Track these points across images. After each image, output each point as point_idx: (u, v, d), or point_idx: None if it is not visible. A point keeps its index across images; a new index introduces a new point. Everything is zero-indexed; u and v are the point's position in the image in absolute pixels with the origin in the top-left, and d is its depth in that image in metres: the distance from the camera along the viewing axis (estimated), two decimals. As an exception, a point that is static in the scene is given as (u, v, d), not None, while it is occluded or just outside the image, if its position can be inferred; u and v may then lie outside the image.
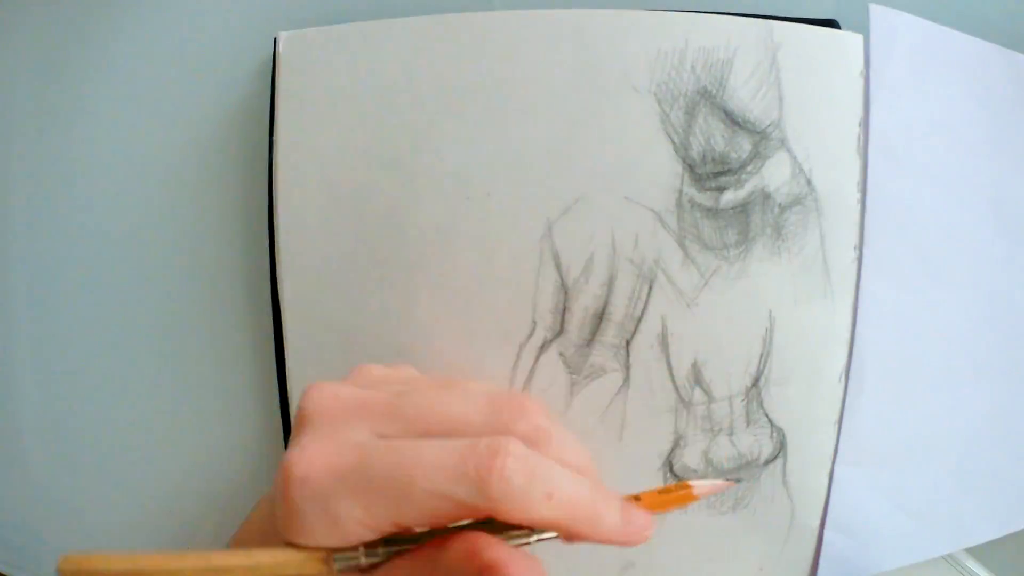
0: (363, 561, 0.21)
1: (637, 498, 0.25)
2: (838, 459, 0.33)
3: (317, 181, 0.34)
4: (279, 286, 0.35)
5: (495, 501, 0.20)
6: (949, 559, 0.36)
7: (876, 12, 0.33)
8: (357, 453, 0.21)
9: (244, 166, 0.38)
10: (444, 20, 0.32)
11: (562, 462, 0.22)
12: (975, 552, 0.36)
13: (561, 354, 0.33)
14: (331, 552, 0.21)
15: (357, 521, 0.20)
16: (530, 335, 0.33)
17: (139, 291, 0.39)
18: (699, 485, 0.26)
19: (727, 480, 0.27)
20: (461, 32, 0.32)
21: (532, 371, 0.33)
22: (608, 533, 0.22)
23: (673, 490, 0.26)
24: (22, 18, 0.39)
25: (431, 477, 0.20)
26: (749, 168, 0.32)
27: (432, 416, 0.22)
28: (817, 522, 0.34)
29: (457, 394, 0.23)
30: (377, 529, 0.21)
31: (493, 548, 0.20)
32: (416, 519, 0.21)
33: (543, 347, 0.33)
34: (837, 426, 0.33)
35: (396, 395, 0.23)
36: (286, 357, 0.35)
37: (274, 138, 0.34)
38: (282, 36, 0.34)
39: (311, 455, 0.21)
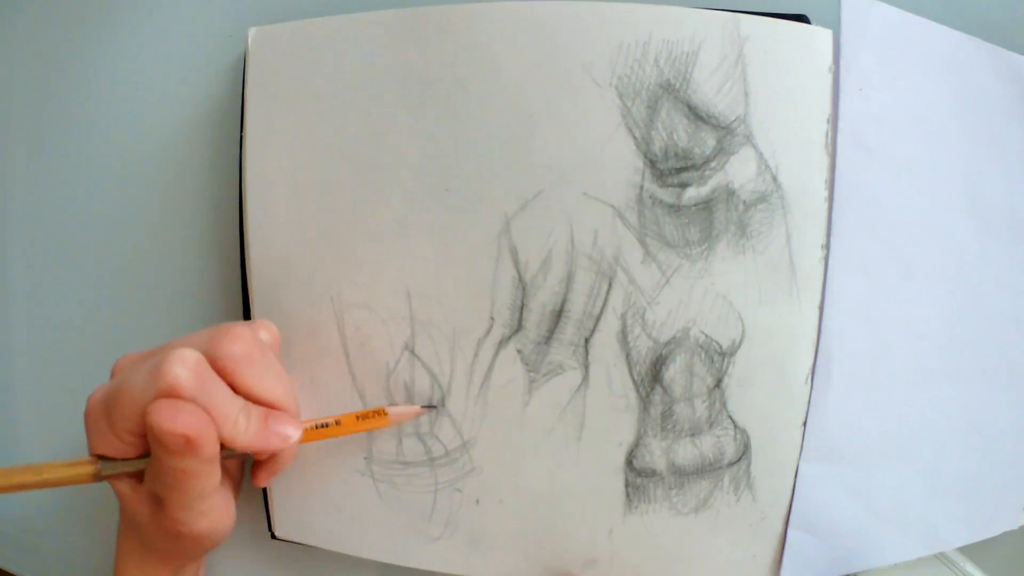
0: (121, 468, 0.27)
1: (338, 421, 0.31)
2: (803, 456, 0.33)
3: (284, 175, 0.34)
4: (248, 279, 0.35)
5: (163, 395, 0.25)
6: (942, 558, 0.35)
7: (848, 1, 0.32)
8: (107, 389, 0.28)
9: (219, 159, 0.38)
10: (405, 14, 0.32)
11: (259, 385, 0.28)
12: (969, 552, 0.36)
13: (519, 351, 0.32)
14: (97, 460, 0.27)
15: (110, 434, 0.27)
16: (488, 331, 0.32)
17: (120, 286, 0.40)
18: (393, 411, 0.32)
19: (422, 407, 0.33)
20: (421, 25, 0.32)
21: (490, 367, 0.33)
22: (242, 440, 0.28)
23: (370, 415, 0.32)
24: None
25: (132, 389, 0.26)
26: (713, 164, 0.31)
27: (168, 350, 0.27)
28: (782, 523, 0.33)
29: (194, 333, 0.29)
30: (125, 441, 0.27)
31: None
32: (130, 426, 0.26)
33: (501, 343, 0.32)
34: (803, 428, 0.33)
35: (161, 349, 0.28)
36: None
37: (243, 133, 0.35)
38: (252, 31, 0.35)
39: (91, 398, 0.28)
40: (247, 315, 0.35)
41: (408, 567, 0.36)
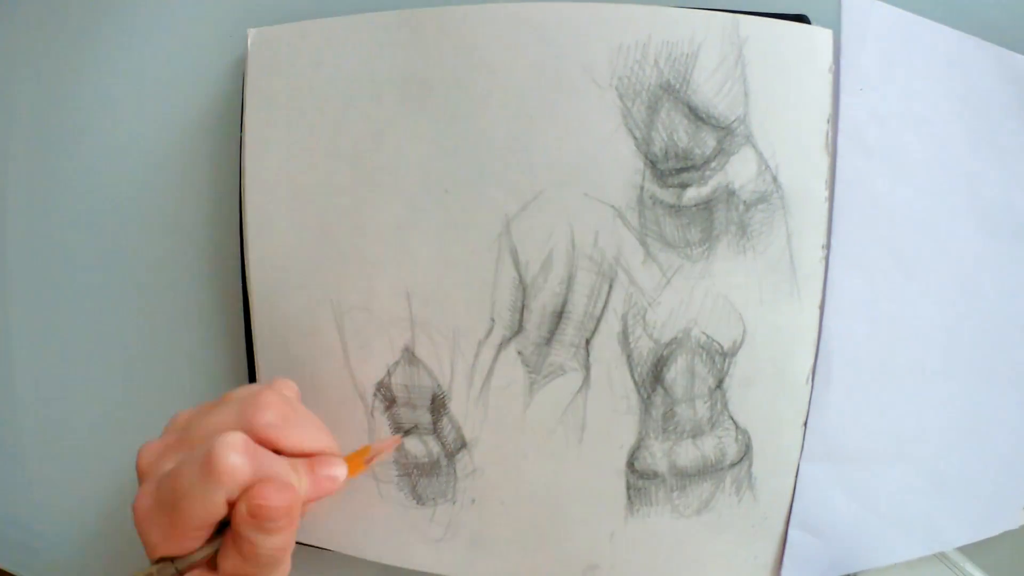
0: (196, 558, 0.26)
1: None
2: (804, 456, 0.33)
3: (283, 176, 0.34)
4: (248, 281, 0.35)
5: (225, 487, 0.25)
6: (942, 558, 0.35)
7: (848, 1, 0.32)
8: (154, 490, 0.26)
9: (219, 160, 0.38)
10: (405, 15, 0.32)
11: (300, 442, 0.28)
12: (969, 552, 0.36)
13: (520, 353, 0.32)
14: (171, 560, 0.26)
15: (176, 535, 0.26)
16: (488, 333, 0.32)
17: (119, 287, 0.40)
18: (374, 446, 0.32)
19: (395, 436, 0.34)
20: (422, 27, 0.32)
21: (491, 369, 0.33)
22: (301, 495, 0.28)
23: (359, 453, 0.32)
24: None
25: (191, 490, 0.25)
26: (713, 164, 0.31)
27: (205, 435, 0.27)
28: (783, 523, 0.33)
29: (220, 408, 0.29)
30: (191, 537, 0.26)
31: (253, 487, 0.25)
32: (199, 523, 0.25)
33: (501, 345, 0.32)
34: (804, 428, 0.33)
35: (185, 429, 0.28)
36: (255, 349, 0.35)
37: (243, 133, 0.34)
38: (252, 32, 0.34)
39: (137, 503, 0.27)
40: (247, 317, 0.35)
41: (409, 569, 0.36)
